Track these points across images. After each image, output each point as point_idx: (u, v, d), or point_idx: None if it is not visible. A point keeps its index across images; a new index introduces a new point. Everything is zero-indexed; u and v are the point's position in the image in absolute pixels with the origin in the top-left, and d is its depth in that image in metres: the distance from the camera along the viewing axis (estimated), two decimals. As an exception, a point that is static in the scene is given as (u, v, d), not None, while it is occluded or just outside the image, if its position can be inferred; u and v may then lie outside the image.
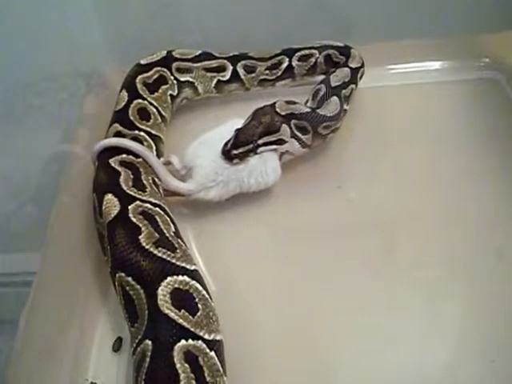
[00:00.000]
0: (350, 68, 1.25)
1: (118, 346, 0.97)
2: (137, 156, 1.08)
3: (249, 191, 1.12)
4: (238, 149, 1.07)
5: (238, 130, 1.10)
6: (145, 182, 1.03)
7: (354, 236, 1.09)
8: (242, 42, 1.33)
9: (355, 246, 1.07)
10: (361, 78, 1.28)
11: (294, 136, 1.13)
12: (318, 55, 1.31)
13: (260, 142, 1.09)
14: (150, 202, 0.98)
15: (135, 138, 1.12)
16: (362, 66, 1.28)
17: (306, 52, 1.31)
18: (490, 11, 1.33)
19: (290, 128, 1.13)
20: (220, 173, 1.08)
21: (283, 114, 1.12)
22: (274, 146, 1.11)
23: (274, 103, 1.15)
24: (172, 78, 1.29)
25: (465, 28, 1.38)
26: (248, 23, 1.37)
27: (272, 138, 1.10)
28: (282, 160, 1.15)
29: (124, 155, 1.07)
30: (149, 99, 1.23)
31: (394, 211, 1.12)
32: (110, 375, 0.93)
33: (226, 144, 1.08)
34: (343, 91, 1.21)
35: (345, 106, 1.20)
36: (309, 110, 1.15)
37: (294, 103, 1.16)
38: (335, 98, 1.18)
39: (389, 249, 1.06)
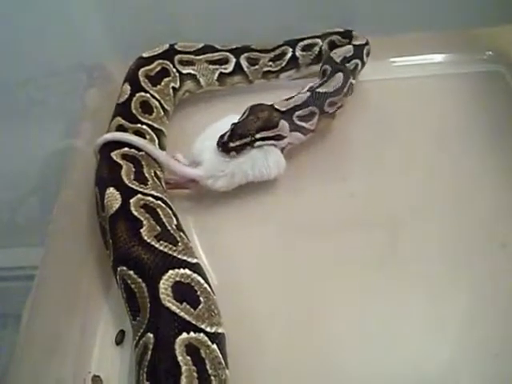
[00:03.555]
0: (353, 45, 1.25)
1: (120, 338, 0.97)
2: (139, 149, 1.08)
3: (254, 181, 1.12)
4: (234, 142, 1.07)
5: (234, 124, 1.09)
6: (147, 175, 1.03)
7: (357, 230, 1.09)
8: (244, 36, 1.33)
9: (358, 239, 1.06)
10: (367, 55, 1.28)
11: (294, 129, 1.13)
12: (321, 43, 1.31)
13: (257, 136, 1.09)
14: (152, 195, 0.98)
15: (137, 132, 1.12)
16: (367, 43, 1.28)
17: (309, 41, 1.32)
18: (494, 4, 1.32)
19: (290, 122, 1.12)
20: (226, 165, 1.08)
21: (283, 109, 1.12)
22: (272, 142, 1.11)
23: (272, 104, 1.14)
24: (174, 70, 1.29)
25: (468, 21, 1.37)
26: (249, 17, 1.37)
27: (270, 134, 1.10)
28: (284, 151, 1.14)
29: (126, 148, 1.07)
30: (151, 92, 1.23)
31: (397, 205, 1.12)
32: (113, 368, 0.94)
33: (221, 136, 1.07)
34: (346, 65, 1.22)
35: (351, 80, 1.21)
36: (309, 93, 1.14)
37: (292, 96, 1.15)
38: (340, 73, 1.18)
39: (392, 243, 1.06)
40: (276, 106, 1.12)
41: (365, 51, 1.27)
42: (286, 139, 1.13)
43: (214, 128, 1.12)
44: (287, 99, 1.15)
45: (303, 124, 1.13)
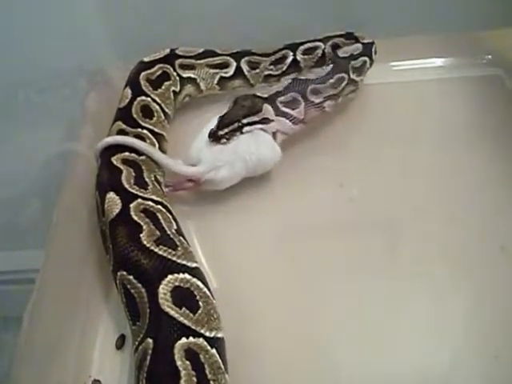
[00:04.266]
0: (362, 43, 1.27)
1: (121, 343, 0.97)
2: (139, 154, 1.08)
3: (255, 171, 1.13)
4: (223, 129, 1.10)
5: (221, 116, 1.12)
6: (147, 179, 1.04)
7: (356, 234, 1.09)
8: (245, 40, 1.33)
9: (357, 244, 1.06)
10: (375, 53, 1.29)
11: (280, 114, 1.16)
12: (323, 46, 1.32)
13: (244, 121, 1.12)
14: (152, 200, 0.98)
15: (138, 136, 1.12)
16: (374, 42, 1.29)
17: (310, 45, 1.32)
18: (493, 8, 1.32)
19: (275, 107, 1.15)
20: (223, 154, 1.09)
21: (266, 96, 1.16)
22: (260, 126, 1.13)
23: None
24: (175, 74, 1.29)
25: (467, 25, 1.37)
26: (251, 22, 1.37)
27: (256, 118, 1.13)
28: (277, 139, 1.16)
29: (126, 153, 1.07)
30: (152, 96, 1.23)
31: (396, 209, 1.12)
32: (113, 372, 0.93)
33: (211, 129, 1.10)
34: (352, 62, 1.23)
35: (352, 76, 1.23)
36: (290, 80, 1.18)
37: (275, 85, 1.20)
38: (331, 65, 1.21)
39: (391, 247, 1.06)
40: (258, 94, 1.16)
41: (373, 49, 1.28)
42: (274, 123, 1.15)
43: (208, 128, 1.13)
44: (269, 87, 1.20)
45: (289, 111, 1.16)
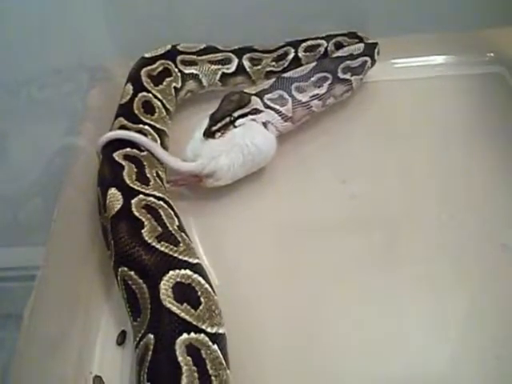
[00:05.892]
0: (365, 43, 1.27)
1: (122, 339, 0.97)
2: (141, 150, 1.08)
3: (254, 161, 1.13)
4: (216, 125, 1.12)
5: (212, 114, 1.14)
6: (148, 175, 1.04)
7: (357, 231, 1.09)
8: (246, 38, 1.34)
9: (359, 241, 1.06)
10: (378, 53, 1.29)
11: (269, 107, 1.18)
12: (326, 44, 1.32)
13: (235, 114, 1.14)
14: (154, 196, 0.98)
15: (139, 132, 1.12)
16: (377, 43, 1.29)
17: (312, 43, 1.32)
18: (496, 6, 1.32)
19: (263, 102, 1.18)
20: (220, 145, 1.11)
21: (253, 92, 1.19)
22: (251, 116, 1.16)
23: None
24: (176, 70, 1.29)
25: (470, 22, 1.37)
26: (252, 19, 1.37)
27: (246, 110, 1.15)
28: (269, 130, 1.17)
29: (128, 149, 1.07)
30: (153, 92, 1.23)
31: (397, 207, 1.12)
32: (114, 368, 0.94)
33: (205, 128, 1.12)
34: (347, 62, 1.23)
35: (344, 76, 1.23)
36: (275, 78, 1.21)
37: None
38: (313, 63, 1.22)
39: (392, 245, 1.06)
40: (245, 91, 1.20)
41: (376, 50, 1.28)
42: (263, 114, 1.17)
43: (201, 129, 1.14)
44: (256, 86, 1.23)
45: (277, 107, 1.19)
